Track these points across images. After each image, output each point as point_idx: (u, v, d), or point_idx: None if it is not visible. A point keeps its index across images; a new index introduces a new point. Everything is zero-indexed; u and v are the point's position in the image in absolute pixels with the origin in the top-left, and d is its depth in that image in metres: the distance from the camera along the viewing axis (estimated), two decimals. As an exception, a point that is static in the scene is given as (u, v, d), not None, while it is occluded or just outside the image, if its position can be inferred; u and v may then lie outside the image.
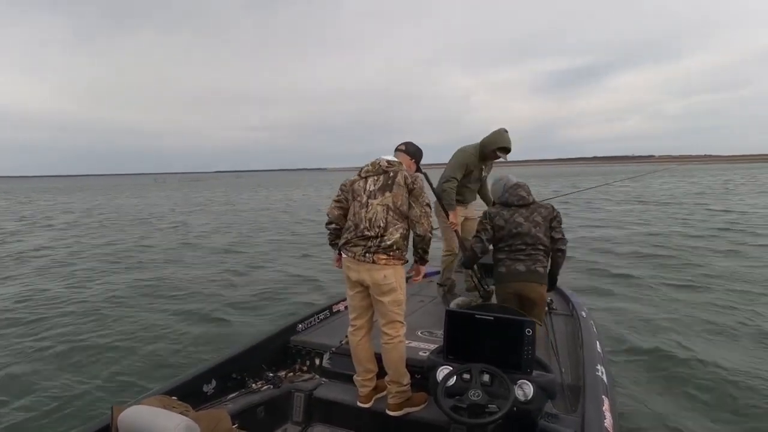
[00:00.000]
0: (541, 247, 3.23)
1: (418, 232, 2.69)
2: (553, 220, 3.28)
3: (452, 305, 3.95)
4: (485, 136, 4.11)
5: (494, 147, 4.03)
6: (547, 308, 3.69)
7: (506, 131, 4.07)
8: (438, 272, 4.53)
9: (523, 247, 3.23)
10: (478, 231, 3.42)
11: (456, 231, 4.13)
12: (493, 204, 3.57)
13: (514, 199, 3.35)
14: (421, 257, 2.81)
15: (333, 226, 2.93)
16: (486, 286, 4.09)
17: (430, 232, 2.74)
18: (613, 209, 19.28)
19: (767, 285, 7.24)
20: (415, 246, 2.76)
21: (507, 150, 4.08)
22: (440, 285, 4.43)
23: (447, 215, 4.08)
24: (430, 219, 2.76)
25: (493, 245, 3.38)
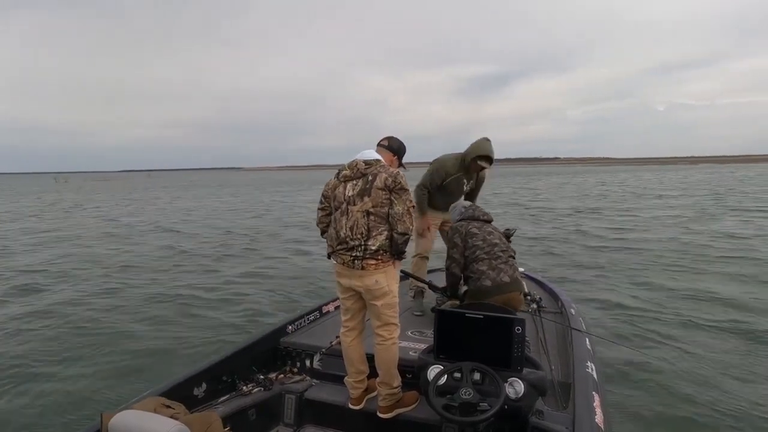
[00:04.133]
0: (513, 255, 3.47)
1: (399, 230, 2.57)
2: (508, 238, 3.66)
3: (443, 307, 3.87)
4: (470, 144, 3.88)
5: (474, 156, 3.84)
6: (536, 306, 3.83)
7: (488, 140, 3.86)
8: (434, 271, 4.47)
9: (501, 254, 3.38)
10: (449, 253, 3.51)
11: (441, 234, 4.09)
12: (458, 221, 3.67)
13: (480, 214, 3.64)
14: (398, 254, 2.68)
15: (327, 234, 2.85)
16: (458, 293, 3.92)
17: (410, 231, 2.65)
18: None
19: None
20: (395, 243, 2.61)
21: (488, 159, 3.85)
22: (411, 290, 4.20)
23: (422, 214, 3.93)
24: (412, 217, 2.65)
25: (467, 259, 3.41)
